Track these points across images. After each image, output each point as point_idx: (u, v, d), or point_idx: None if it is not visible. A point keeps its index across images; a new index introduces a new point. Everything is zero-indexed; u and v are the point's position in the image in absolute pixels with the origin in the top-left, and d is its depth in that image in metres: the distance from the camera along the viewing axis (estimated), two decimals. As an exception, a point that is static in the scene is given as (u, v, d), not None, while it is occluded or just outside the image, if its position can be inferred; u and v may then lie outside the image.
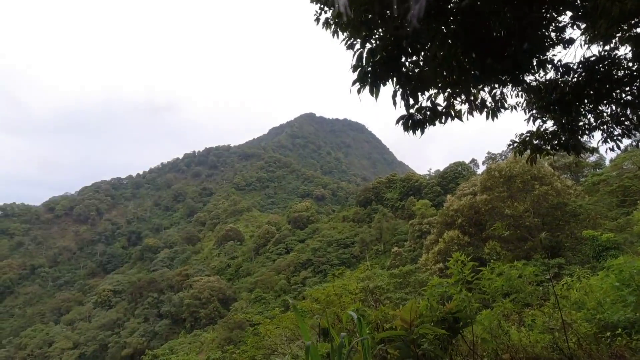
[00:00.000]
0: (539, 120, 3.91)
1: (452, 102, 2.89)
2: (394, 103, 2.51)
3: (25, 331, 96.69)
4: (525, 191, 23.46)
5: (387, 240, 78.18)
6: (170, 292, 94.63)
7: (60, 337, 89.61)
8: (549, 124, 3.90)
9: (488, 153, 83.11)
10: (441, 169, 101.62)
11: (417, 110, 2.65)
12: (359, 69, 2.44)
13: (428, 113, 2.69)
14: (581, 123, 4.15)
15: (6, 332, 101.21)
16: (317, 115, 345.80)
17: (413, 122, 2.66)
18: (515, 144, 4.02)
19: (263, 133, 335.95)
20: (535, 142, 3.91)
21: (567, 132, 3.78)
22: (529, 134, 4.01)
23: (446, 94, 2.82)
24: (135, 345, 77.76)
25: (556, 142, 3.84)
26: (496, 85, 3.43)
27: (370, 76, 2.38)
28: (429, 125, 2.81)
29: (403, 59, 2.37)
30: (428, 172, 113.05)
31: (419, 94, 2.45)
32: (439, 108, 2.82)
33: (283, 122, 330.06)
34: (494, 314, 4.40)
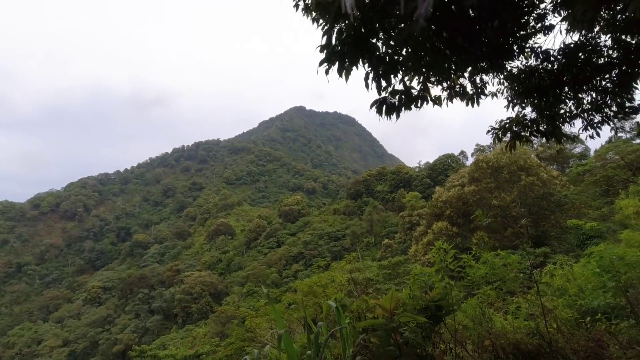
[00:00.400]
0: (518, 107, 3.90)
1: (427, 86, 2.83)
2: (367, 86, 2.43)
3: (13, 330, 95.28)
4: (512, 182, 23.78)
5: (378, 232, 78.81)
6: (161, 288, 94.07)
7: (49, 335, 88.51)
8: (528, 110, 3.90)
9: (477, 145, 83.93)
10: (431, 161, 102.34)
11: (390, 93, 2.58)
12: (326, 49, 2.36)
13: (403, 97, 2.62)
14: (562, 110, 4.16)
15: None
16: (307, 108, 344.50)
17: (387, 107, 2.59)
18: (495, 131, 4.01)
19: (253, 127, 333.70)
20: (515, 128, 3.91)
21: (545, 119, 3.79)
22: (508, 121, 4.00)
23: (421, 77, 2.76)
24: (127, 341, 77.26)
25: (535, 128, 3.84)
26: (476, 72, 3.40)
27: (338, 56, 2.31)
28: (405, 109, 2.75)
29: (374, 40, 2.31)
30: (418, 165, 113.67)
31: (392, 76, 2.38)
32: (414, 92, 2.75)
33: (273, 115, 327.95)
34: (477, 301, 4.43)
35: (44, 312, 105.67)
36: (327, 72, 2.45)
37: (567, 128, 4.26)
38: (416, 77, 2.72)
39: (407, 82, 2.61)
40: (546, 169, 28.47)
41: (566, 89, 3.65)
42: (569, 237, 23.33)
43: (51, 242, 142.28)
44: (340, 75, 2.35)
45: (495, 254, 5.38)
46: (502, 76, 3.68)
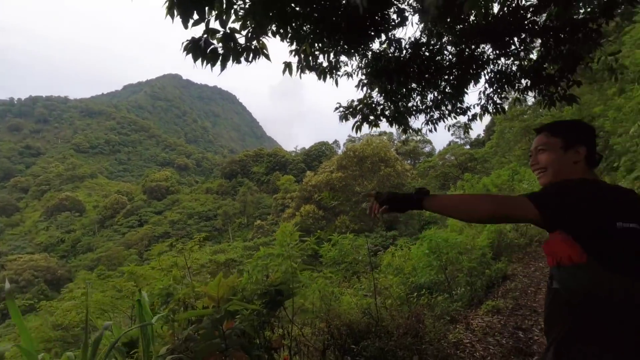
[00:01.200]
0: (366, 87, 4.00)
1: (262, 39, 2.50)
2: (171, 15, 1.90)
3: None
4: (373, 171, 26.42)
5: (251, 213, 78.63)
6: (-30, 276, 74.36)
7: None
8: (375, 94, 4.05)
9: (349, 136, 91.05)
10: (307, 147, 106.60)
11: (208, 32, 2.13)
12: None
13: (231, 44, 2.21)
14: (410, 104, 4.47)
15: None
16: (184, 77, 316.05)
17: (212, 53, 2.14)
18: (343, 110, 4.05)
19: (116, 89, 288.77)
20: (365, 111, 4.01)
21: (391, 104, 3.99)
22: (358, 102, 4.09)
23: (251, 27, 2.39)
24: None
25: (381, 112, 4.01)
26: (330, 47, 3.27)
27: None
28: (234, 61, 2.34)
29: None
30: (295, 149, 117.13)
31: (207, 8, 1.93)
32: (241, 41, 2.36)
33: (142, 80, 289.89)
34: (318, 284, 4.46)
35: None
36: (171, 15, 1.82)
37: (413, 122, 4.60)
38: (251, 25, 2.33)
39: (234, 25, 2.21)
40: (402, 163, 32.67)
41: (412, 83, 3.87)
42: (414, 222, 27.38)
43: None
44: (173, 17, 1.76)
45: (343, 236, 5.61)
46: (358, 58, 3.68)
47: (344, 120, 3.88)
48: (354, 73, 3.83)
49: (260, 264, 3.65)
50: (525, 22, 3.95)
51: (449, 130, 4.62)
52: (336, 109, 3.96)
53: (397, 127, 4.48)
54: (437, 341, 3.43)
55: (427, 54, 3.86)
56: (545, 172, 1.40)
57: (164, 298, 3.05)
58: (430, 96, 4.40)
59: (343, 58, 3.48)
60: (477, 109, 4.47)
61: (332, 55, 3.36)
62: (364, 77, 3.80)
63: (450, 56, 4.29)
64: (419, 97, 4.43)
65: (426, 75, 3.88)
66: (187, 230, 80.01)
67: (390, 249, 9.47)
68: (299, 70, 3.22)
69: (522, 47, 4.33)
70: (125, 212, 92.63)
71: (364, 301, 4.06)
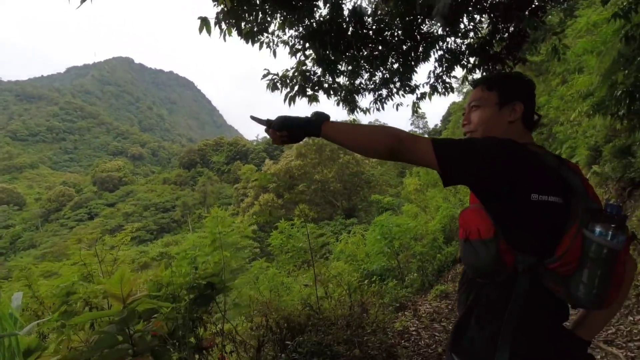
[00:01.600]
0: (300, 54, 3.67)
1: None
2: None
3: None
4: (332, 159, 26.34)
5: (211, 204, 76.37)
6: None
7: None
8: (309, 63, 3.72)
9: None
10: (268, 136, 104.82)
11: None
12: None
13: None
14: (358, 82, 4.21)
15: None
16: (137, 61, 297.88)
17: None
18: (273, 77, 3.66)
19: (58, 71, 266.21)
20: (301, 82, 3.67)
21: (328, 74, 3.70)
22: (292, 70, 3.74)
23: None
24: None
25: (317, 81, 3.70)
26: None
27: None
28: None
29: None
30: (256, 138, 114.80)
31: None
32: None
33: (89, 62, 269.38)
34: (249, 275, 4.15)
35: None
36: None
37: (360, 100, 4.35)
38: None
39: None
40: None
41: (350, 50, 3.57)
42: (373, 209, 27.79)
43: None
44: None
45: (291, 224, 5.32)
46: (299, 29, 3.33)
47: (272, 91, 3.49)
48: (290, 40, 3.47)
49: (189, 255, 3.26)
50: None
51: (397, 109, 4.41)
52: (264, 76, 3.54)
53: (344, 106, 4.21)
54: (382, 331, 3.24)
55: (373, 26, 3.59)
56: (474, 133, 1.18)
57: (62, 298, 2.59)
58: (379, 74, 4.16)
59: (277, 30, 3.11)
60: (427, 88, 4.31)
61: (259, 16, 2.97)
62: (297, 40, 3.44)
63: (399, 32, 4.06)
64: (367, 75, 4.18)
65: (373, 51, 3.62)
66: (144, 223, 76.46)
67: (344, 235, 9.35)
68: (221, 32, 2.78)
69: (471, 26, 4.21)
70: (73, 205, 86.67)
71: (305, 291, 3.79)
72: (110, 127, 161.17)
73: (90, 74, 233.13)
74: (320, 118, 1.09)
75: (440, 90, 4.29)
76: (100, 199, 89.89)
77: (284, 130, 1.12)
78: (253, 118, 1.22)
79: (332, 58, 3.42)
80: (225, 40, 2.73)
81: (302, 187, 22.63)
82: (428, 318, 4.04)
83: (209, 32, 2.49)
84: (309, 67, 3.62)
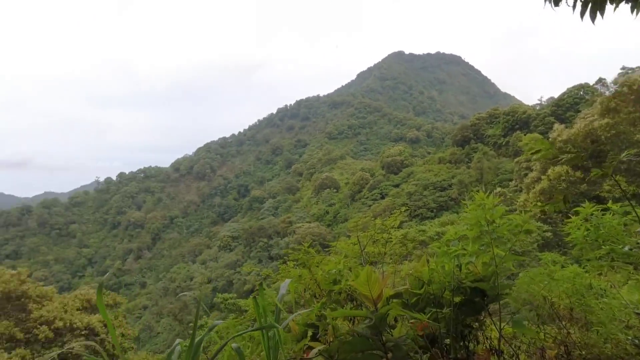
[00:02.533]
0: None
1: None
2: None
3: (173, 268, 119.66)
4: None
5: (489, 180, 71.48)
6: (277, 238, 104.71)
7: (197, 274, 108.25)
8: None
9: (623, 68, 66.32)
10: (555, 96, 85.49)
11: None
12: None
13: None
14: None
15: (160, 268, 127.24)
16: (407, 52, 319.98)
17: None
18: None
19: (351, 79, 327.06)
20: None
21: None
22: None
23: None
24: (253, 282, 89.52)
25: None
26: None
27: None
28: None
29: None
30: (539, 102, 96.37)
31: None
32: None
33: (371, 65, 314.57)
34: (566, 272, 3.06)
35: (192, 255, 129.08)
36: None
37: None
38: None
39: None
40: None
41: None
42: None
43: (190, 199, 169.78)
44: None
45: (604, 207, 3.64)
46: None
47: (554, 5, 2.16)
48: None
49: (451, 250, 2.74)
50: None
51: None
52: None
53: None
54: None
55: None
56: None
57: (329, 286, 2.74)
58: None
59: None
60: None
61: None
62: None
63: None
64: None
65: None
66: (424, 202, 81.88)
67: None
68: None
69: None
70: (369, 187, 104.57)
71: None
72: (391, 117, 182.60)
73: (372, 75, 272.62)
74: None
75: None
76: (387, 180, 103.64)
77: None
78: None
79: None
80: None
81: (614, 153, 16.50)
82: None
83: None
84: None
